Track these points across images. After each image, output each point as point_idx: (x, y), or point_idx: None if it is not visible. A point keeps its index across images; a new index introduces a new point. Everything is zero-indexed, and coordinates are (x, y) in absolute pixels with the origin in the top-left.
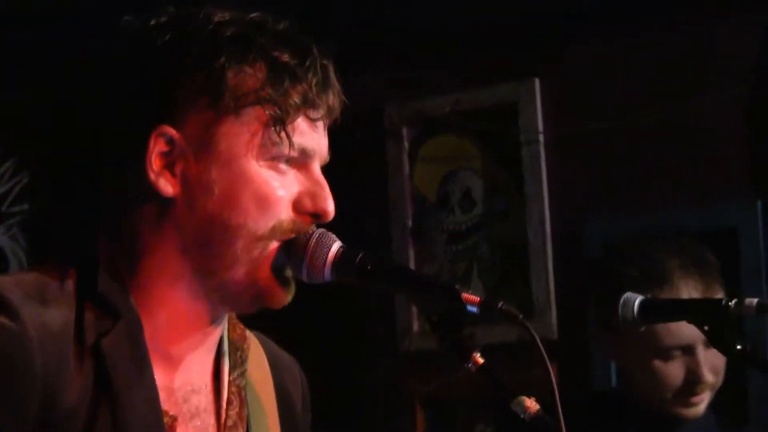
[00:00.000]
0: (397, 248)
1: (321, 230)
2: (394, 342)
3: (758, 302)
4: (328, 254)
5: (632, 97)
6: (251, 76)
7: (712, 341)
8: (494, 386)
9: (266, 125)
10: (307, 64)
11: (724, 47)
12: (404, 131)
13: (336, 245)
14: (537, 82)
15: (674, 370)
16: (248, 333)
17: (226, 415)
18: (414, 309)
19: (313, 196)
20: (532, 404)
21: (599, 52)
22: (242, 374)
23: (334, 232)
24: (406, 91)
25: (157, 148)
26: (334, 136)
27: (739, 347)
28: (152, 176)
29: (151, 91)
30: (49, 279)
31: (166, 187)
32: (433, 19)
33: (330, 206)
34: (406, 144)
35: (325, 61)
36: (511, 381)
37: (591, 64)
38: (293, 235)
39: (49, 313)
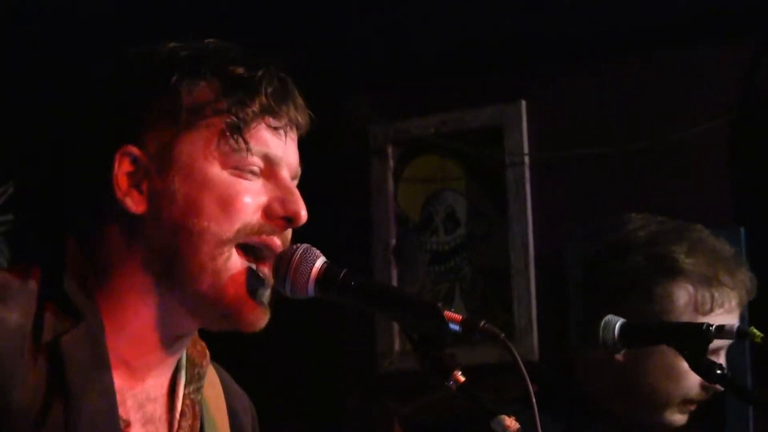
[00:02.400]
0: (380, 268)
1: (305, 245)
2: (375, 362)
3: (738, 327)
4: (311, 270)
5: (618, 122)
6: (205, 90)
7: (692, 365)
8: (474, 405)
9: (224, 134)
10: (260, 74)
11: (710, 75)
12: (389, 151)
13: (320, 261)
14: (523, 104)
15: (695, 376)
16: (207, 352)
17: (179, 425)
18: (395, 329)
19: (283, 201)
20: (511, 423)
21: (586, 77)
22: (198, 390)
23: None
24: (391, 111)
25: (122, 168)
26: (319, 154)
27: (719, 372)
28: (120, 195)
29: (115, 113)
30: (12, 278)
31: (134, 205)
32: (420, 40)
33: (301, 209)
34: (391, 163)
35: (282, 74)
36: (491, 401)
37: (577, 88)
38: (262, 238)
39: (5, 308)
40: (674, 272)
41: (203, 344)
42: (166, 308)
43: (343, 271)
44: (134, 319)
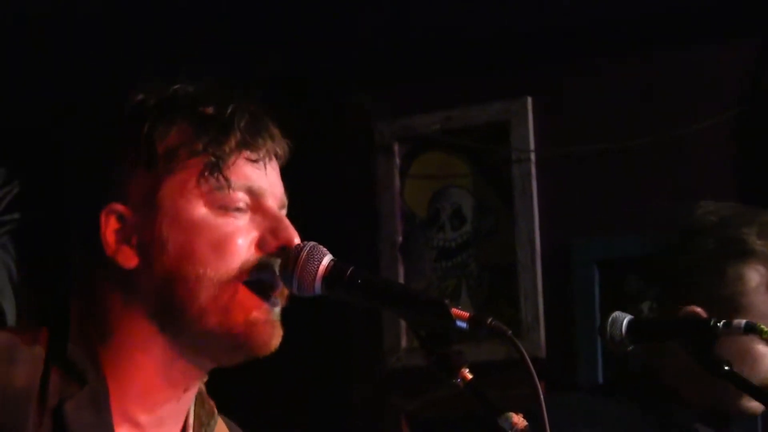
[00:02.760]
0: (386, 265)
1: (312, 243)
2: (381, 359)
3: (746, 323)
4: (318, 267)
5: (624, 118)
6: (178, 134)
7: (699, 361)
8: (481, 402)
9: (203, 174)
10: (230, 110)
11: (714, 71)
12: (395, 147)
13: (327, 259)
14: (529, 100)
15: None
16: (216, 411)
17: None
18: (402, 326)
19: (274, 231)
20: (519, 420)
21: (591, 73)
22: None
23: None
24: (397, 107)
25: (109, 226)
26: (324, 152)
27: (726, 368)
28: (110, 253)
29: (93, 174)
30: (20, 340)
31: (126, 260)
32: (425, 36)
33: (293, 235)
34: (397, 160)
35: (252, 107)
36: (498, 399)
37: (583, 84)
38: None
39: (14, 371)
40: (745, 254)
41: (212, 403)
42: (174, 354)
43: (350, 269)
44: (139, 374)
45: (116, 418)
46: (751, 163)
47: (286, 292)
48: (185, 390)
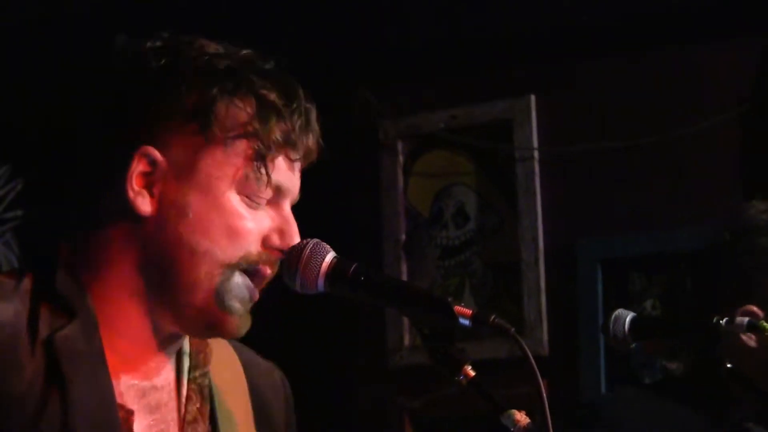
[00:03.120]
0: (390, 263)
1: (315, 240)
2: (384, 357)
3: (748, 321)
4: (321, 265)
5: (628, 115)
6: (240, 109)
7: (701, 358)
8: (484, 399)
9: (249, 159)
10: (294, 105)
11: (721, 69)
12: (399, 145)
13: (330, 256)
14: (533, 99)
15: None
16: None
17: (185, 410)
18: (405, 324)
19: (282, 233)
20: (522, 417)
21: (595, 71)
22: (204, 374)
23: None
24: (401, 106)
25: (139, 167)
26: (328, 149)
27: (729, 365)
28: (131, 194)
29: (141, 111)
30: (5, 278)
31: (144, 206)
32: (430, 35)
33: (296, 242)
34: (400, 158)
35: (308, 105)
36: (501, 397)
37: (587, 82)
38: (257, 265)
39: (0, 306)
40: None
41: None
42: (155, 313)
43: (353, 266)
44: (125, 318)
45: (108, 351)
46: (755, 161)
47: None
48: (169, 337)
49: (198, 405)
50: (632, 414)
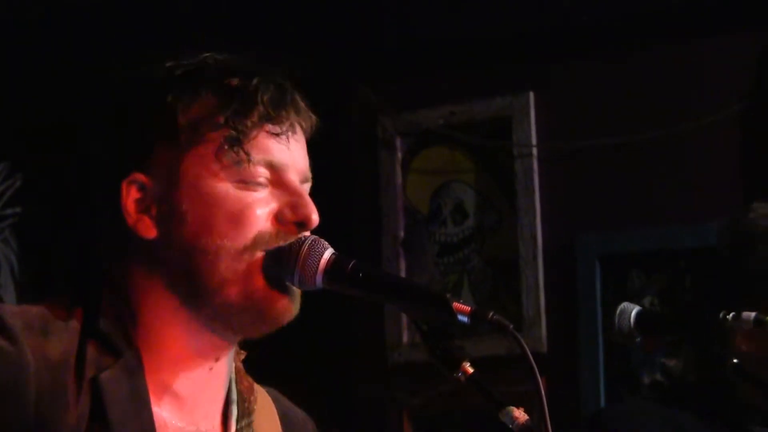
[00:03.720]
0: (388, 259)
1: (313, 237)
2: (383, 354)
3: (755, 316)
4: (320, 261)
5: (627, 112)
6: (201, 105)
7: (707, 354)
8: (483, 396)
9: (224, 148)
10: (255, 83)
11: (721, 65)
12: (398, 142)
13: (328, 252)
14: (532, 96)
15: None
16: (257, 387)
17: None
18: (404, 320)
19: (293, 205)
20: (520, 414)
21: (594, 68)
22: (249, 425)
23: None
24: (400, 102)
25: (130, 195)
26: (327, 145)
27: (734, 361)
28: (131, 223)
29: (116, 142)
30: (54, 314)
31: (146, 230)
32: (428, 31)
33: (312, 212)
34: (399, 155)
35: (279, 80)
36: (499, 394)
37: (586, 79)
38: (279, 244)
39: (50, 343)
40: None
41: (251, 380)
42: (198, 326)
43: (352, 263)
44: (170, 345)
45: (152, 388)
46: (756, 158)
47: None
48: (216, 360)
49: None
50: (641, 429)
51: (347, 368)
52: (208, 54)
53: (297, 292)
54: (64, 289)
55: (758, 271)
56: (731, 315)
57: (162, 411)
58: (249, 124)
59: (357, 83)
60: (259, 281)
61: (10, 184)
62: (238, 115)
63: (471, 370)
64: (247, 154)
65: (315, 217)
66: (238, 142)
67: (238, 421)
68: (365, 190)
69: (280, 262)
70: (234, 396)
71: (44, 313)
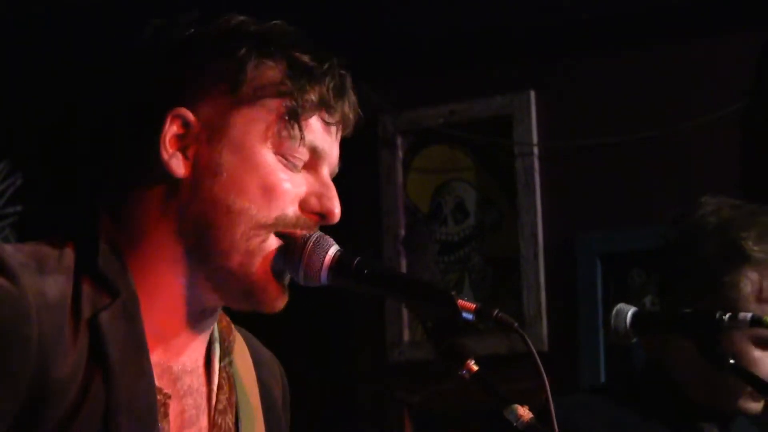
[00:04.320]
0: (389, 258)
1: (319, 233)
2: (384, 352)
3: (752, 316)
4: (325, 257)
5: (627, 111)
6: (271, 69)
7: (705, 354)
8: (487, 394)
9: (281, 118)
10: (326, 67)
11: (720, 65)
12: (398, 140)
13: (333, 249)
14: (532, 94)
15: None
16: (233, 326)
17: (217, 399)
18: (405, 319)
19: (320, 196)
20: (525, 412)
21: (595, 66)
22: (230, 363)
23: None
24: (400, 101)
25: (172, 129)
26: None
27: (731, 361)
28: (165, 156)
29: (172, 73)
30: (48, 251)
31: (178, 168)
32: (429, 30)
33: (336, 207)
34: (400, 153)
35: (342, 71)
36: (503, 392)
37: (587, 77)
38: (296, 231)
39: (46, 282)
40: (742, 260)
41: (228, 319)
42: (194, 281)
43: (357, 259)
44: (166, 290)
45: (146, 330)
46: (756, 156)
47: None
48: (204, 311)
49: (227, 394)
50: (582, 420)
51: (348, 366)
52: (278, 22)
53: (287, 292)
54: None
55: (702, 271)
56: (728, 315)
57: (153, 348)
58: (309, 102)
59: (357, 82)
60: (264, 266)
61: (11, 182)
62: (304, 91)
63: (476, 367)
64: (302, 130)
65: (338, 212)
66: (296, 116)
67: (220, 359)
68: (366, 189)
69: (285, 258)
70: (216, 334)
71: (37, 249)
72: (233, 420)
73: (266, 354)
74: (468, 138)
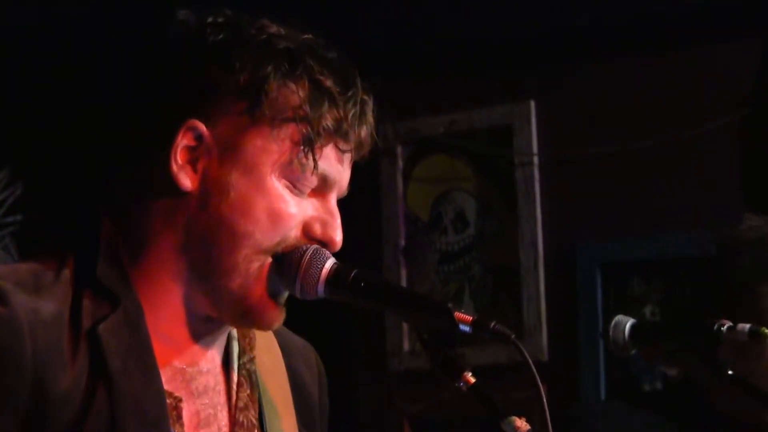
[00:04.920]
0: (389, 267)
1: (315, 246)
2: (384, 361)
3: (750, 328)
4: (321, 270)
5: (626, 120)
6: (293, 92)
7: (704, 365)
8: (484, 405)
9: (296, 144)
10: (349, 94)
11: (720, 73)
12: (399, 150)
13: (330, 262)
14: (532, 104)
15: None
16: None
17: (237, 396)
18: (404, 328)
19: (324, 223)
20: (522, 424)
21: (595, 76)
22: (252, 360)
23: None
24: (401, 110)
25: (184, 141)
26: None
27: (730, 372)
28: (174, 168)
29: (191, 83)
30: (45, 268)
31: (186, 181)
32: (429, 39)
33: (338, 236)
34: (400, 163)
35: (365, 96)
36: (501, 402)
37: (586, 87)
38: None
39: (41, 300)
40: None
41: None
42: (192, 293)
43: (353, 272)
44: (169, 299)
45: (153, 337)
46: (756, 165)
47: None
48: (208, 319)
49: (248, 391)
50: (609, 428)
51: (348, 376)
52: (308, 35)
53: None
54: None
55: (739, 283)
56: (726, 326)
57: (162, 353)
58: (326, 129)
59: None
60: (260, 289)
61: (11, 192)
62: (322, 118)
63: (473, 379)
64: (316, 162)
65: (339, 240)
66: (311, 144)
67: (239, 357)
68: (366, 199)
69: (282, 272)
70: (234, 333)
71: (35, 268)
72: (256, 416)
73: (298, 342)
74: (468, 147)
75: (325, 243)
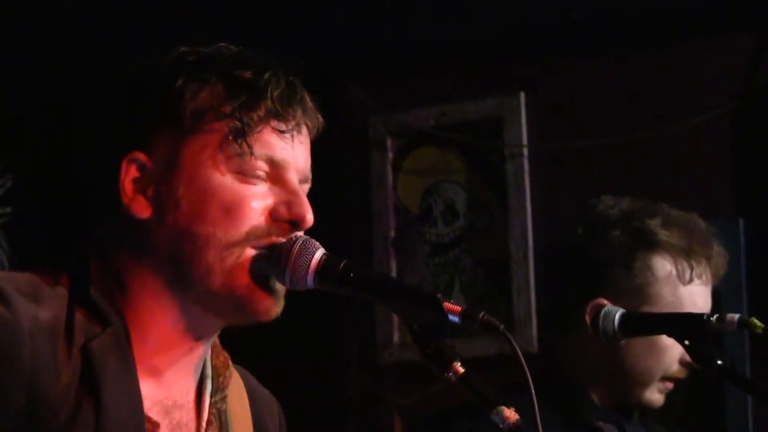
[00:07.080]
0: (379, 259)
1: (305, 237)
2: (374, 354)
3: (739, 318)
4: (311, 261)
5: (617, 113)
6: (209, 94)
7: (692, 356)
8: (474, 396)
9: (227, 139)
10: (266, 77)
11: (711, 65)
12: (389, 142)
13: (319, 252)
14: (522, 96)
15: (675, 352)
16: (231, 363)
17: None
18: (395, 320)
19: (289, 203)
20: (511, 414)
21: (585, 68)
22: (223, 399)
23: None
24: (391, 102)
25: (129, 174)
26: (318, 146)
27: (719, 362)
28: (126, 201)
29: (122, 120)
30: (42, 280)
31: (140, 210)
32: (419, 31)
33: (307, 212)
34: (390, 155)
35: (290, 77)
36: (489, 394)
37: (577, 79)
38: (272, 239)
39: (40, 309)
40: (652, 244)
41: (226, 354)
42: (183, 309)
43: (343, 263)
44: (155, 324)
45: (137, 364)
46: (747, 157)
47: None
48: (198, 339)
49: (216, 431)
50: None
51: (338, 368)
52: (222, 44)
53: (281, 291)
54: (49, 259)
55: (609, 258)
56: (715, 317)
57: (142, 381)
58: (255, 117)
59: (348, 83)
60: (244, 279)
61: (1, 184)
62: (245, 108)
63: (462, 369)
64: (250, 147)
65: (309, 218)
66: (242, 134)
67: (212, 395)
68: (356, 190)
69: (271, 262)
70: (209, 371)
71: (32, 279)
72: None
73: (264, 393)
74: (458, 139)
75: (295, 221)
